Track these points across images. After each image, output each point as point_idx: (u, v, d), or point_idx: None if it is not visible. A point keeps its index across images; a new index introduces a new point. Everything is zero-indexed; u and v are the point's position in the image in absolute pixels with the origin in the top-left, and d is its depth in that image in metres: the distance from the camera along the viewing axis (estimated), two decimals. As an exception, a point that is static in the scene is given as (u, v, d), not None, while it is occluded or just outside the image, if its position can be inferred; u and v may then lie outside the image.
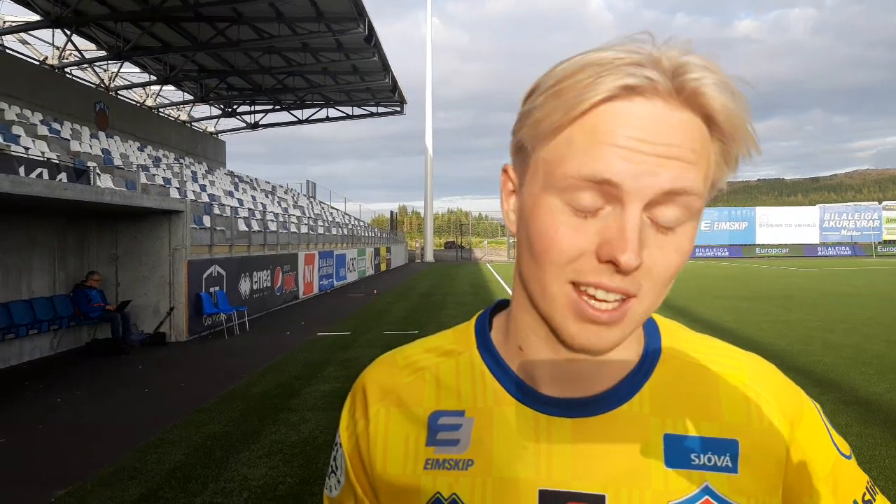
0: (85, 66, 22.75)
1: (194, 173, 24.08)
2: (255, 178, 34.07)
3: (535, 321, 0.63)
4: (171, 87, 28.54)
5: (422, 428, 0.67)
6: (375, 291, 21.65)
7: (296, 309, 16.41)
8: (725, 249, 53.99)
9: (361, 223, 43.88)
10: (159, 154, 24.69)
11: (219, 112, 33.60)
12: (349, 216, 43.40)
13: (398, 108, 37.65)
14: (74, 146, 16.56)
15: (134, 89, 26.51)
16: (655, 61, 0.53)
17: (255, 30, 22.00)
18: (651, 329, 0.68)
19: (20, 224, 9.40)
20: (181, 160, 25.88)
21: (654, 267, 0.54)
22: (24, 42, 20.51)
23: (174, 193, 16.28)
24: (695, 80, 0.53)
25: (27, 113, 17.28)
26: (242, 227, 17.37)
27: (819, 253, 53.33)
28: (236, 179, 30.19)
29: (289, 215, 24.16)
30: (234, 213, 17.24)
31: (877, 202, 59.81)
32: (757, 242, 54.86)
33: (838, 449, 0.66)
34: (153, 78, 26.16)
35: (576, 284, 0.55)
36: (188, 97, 29.96)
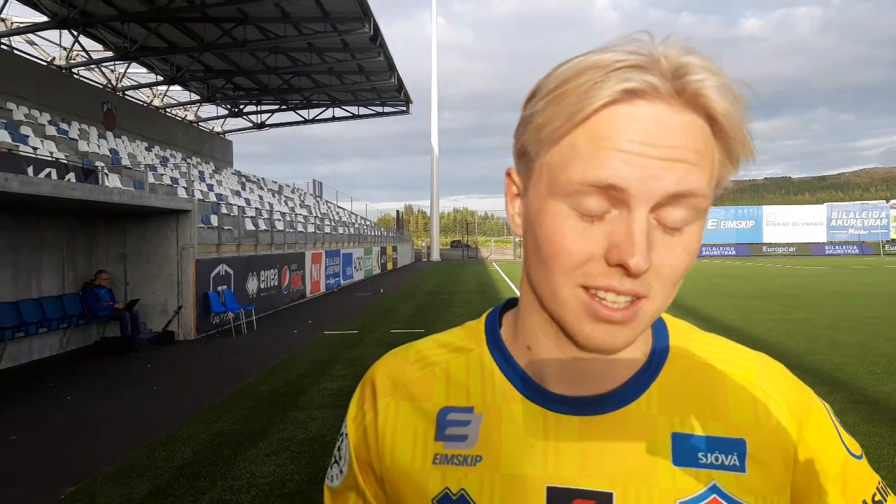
0: (92, 66, 22.85)
1: (201, 173, 24.16)
2: (262, 178, 34.14)
3: (545, 321, 0.64)
4: (177, 88, 28.62)
5: (431, 423, 0.68)
6: (382, 290, 21.66)
7: (303, 307, 16.45)
8: (732, 248, 53.72)
9: (368, 222, 43.91)
10: (167, 154, 24.78)
11: (225, 112, 33.69)
12: (356, 215, 43.46)
13: (404, 108, 37.64)
14: (82, 146, 16.64)
15: (141, 89, 26.60)
16: (655, 62, 0.53)
17: (260, 30, 22.04)
18: (659, 328, 0.69)
19: (29, 224, 9.46)
20: (188, 160, 25.99)
21: (662, 267, 0.55)
22: (31, 43, 20.63)
23: (182, 193, 16.35)
24: (697, 82, 0.53)
25: (35, 113, 17.37)
26: (250, 226, 17.42)
27: (826, 252, 52.99)
28: (243, 179, 30.26)
29: (296, 214, 24.23)
30: (242, 212, 17.29)
31: (884, 200, 59.43)
32: (764, 241, 54.54)
33: (848, 449, 0.66)
34: (160, 78, 26.25)
35: (586, 288, 0.56)
36: (195, 97, 30.05)
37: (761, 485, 0.61)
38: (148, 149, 23.46)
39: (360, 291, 21.55)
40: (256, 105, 34.53)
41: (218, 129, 34.84)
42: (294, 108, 35.57)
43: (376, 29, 22.42)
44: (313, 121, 37.75)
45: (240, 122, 35.82)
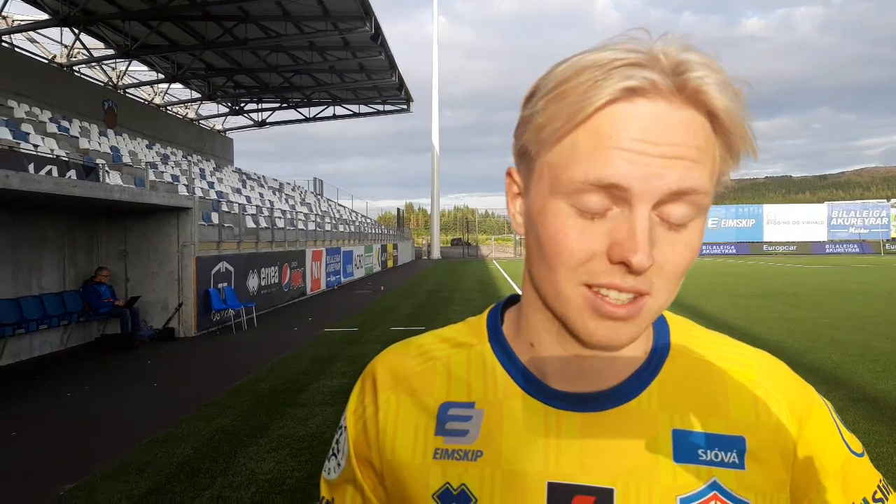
0: (93, 64, 22.86)
1: (202, 171, 24.18)
2: (263, 176, 34.16)
3: (547, 319, 0.64)
4: (178, 86, 28.62)
5: (431, 418, 0.68)
6: (382, 288, 21.67)
7: (303, 305, 16.46)
8: (733, 247, 53.71)
9: (368, 220, 43.95)
10: (167, 152, 24.79)
11: (226, 110, 33.70)
12: (356, 213, 43.51)
13: (405, 106, 37.63)
14: (83, 144, 16.66)
15: (142, 87, 26.62)
16: (655, 60, 0.53)
17: (262, 28, 22.04)
18: (660, 325, 0.69)
19: (30, 221, 9.47)
20: (189, 157, 25.98)
21: (665, 264, 0.55)
22: (32, 41, 20.62)
23: (182, 190, 16.37)
24: (697, 79, 0.53)
25: (36, 111, 17.38)
26: (250, 223, 17.44)
27: (827, 250, 52.96)
28: (244, 177, 30.29)
29: (296, 212, 24.23)
30: (242, 210, 17.31)
31: (885, 200, 59.41)
32: (764, 240, 54.52)
33: (849, 446, 0.66)
34: (161, 76, 26.25)
35: (589, 286, 0.56)
36: (196, 95, 30.06)
37: (761, 482, 0.61)
38: (149, 146, 23.47)
39: (361, 289, 21.56)
40: (257, 103, 34.53)
41: (219, 127, 34.85)
42: (295, 107, 35.57)
43: (377, 28, 22.41)
44: (314, 119, 37.75)
45: (241, 120, 35.85)
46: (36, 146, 13.11)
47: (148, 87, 27.12)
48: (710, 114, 0.55)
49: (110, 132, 21.16)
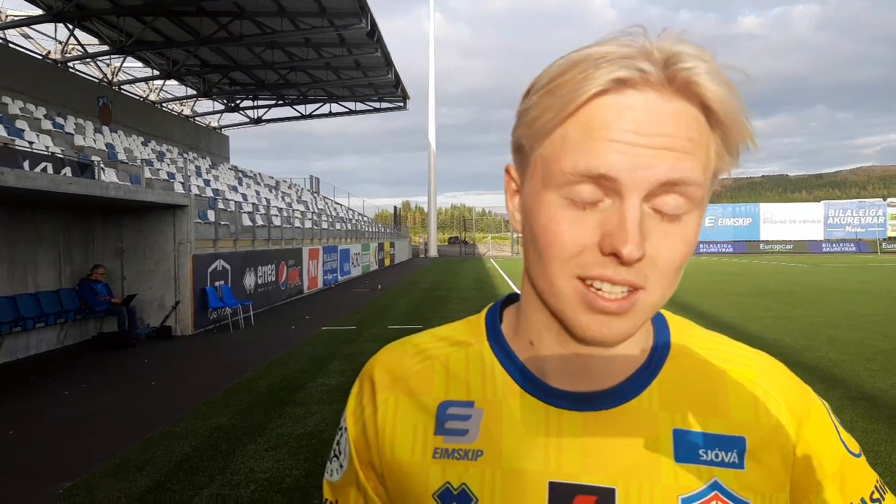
0: (88, 60, 22.72)
1: (198, 168, 24.10)
2: (259, 174, 34.08)
3: (546, 317, 0.64)
4: (173, 82, 28.47)
5: (430, 417, 0.67)
6: (379, 286, 21.66)
7: (300, 303, 16.44)
8: (729, 245, 53.81)
9: (365, 218, 43.90)
10: (163, 149, 24.69)
11: (222, 107, 33.56)
12: (353, 211, 43.46)
13: (401, 104, 37.57)
14: (78, 140, 16.58)
15: (137, 84, 26.48)
16: (647, 53, 0.53)
17: (257, 25, 21.95)
18: (660, 325, 0.69)
19: (25, 218, 9.43)
20: (185, 155, 25.90)
21: (659, 258, 0.55)
22: (26, 36, 20.48)
23: (178, 188, 16.31)
24: (686, 70, 0.53)
25: (31, 107, 17.29)
26: (247, 221, 17.39)
27: (823, 249, 53.11)
28: (240, 174, 30.21)
29: (293, 210, 24.18)
30: (239, 207, 17.25)
31: (881, 199, 59.57)
32: (761, 239, 54.65)
33: (847, 447, 0.66)
34: (156, 73, 26.12)
35: (582, 279, 0.56)
36: (191, 92, 29.92)
37: (761, 482, 0.61)
38: (144, 143, 23.38)
39: (358, 287, 21.55)
40: (253, 100, 34.42)
41: (214, 124, 34.72)
42: (291, 104, 35.46)
43: (373, 24, 22.36)
44: (310, 116, 37.61)
45: (236, 118, 35.70)
46: (31, 143, 13.06)
47: (143, 84, 26.99)
48: (704, 106, 0.55)
49: (105, 129, 21.07)
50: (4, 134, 12.76)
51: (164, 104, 28.80)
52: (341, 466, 0.74)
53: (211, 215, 14.81)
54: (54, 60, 20.77)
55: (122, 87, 25.12)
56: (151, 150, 22.89)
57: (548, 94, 0.55)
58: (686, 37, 0.54)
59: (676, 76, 0.53)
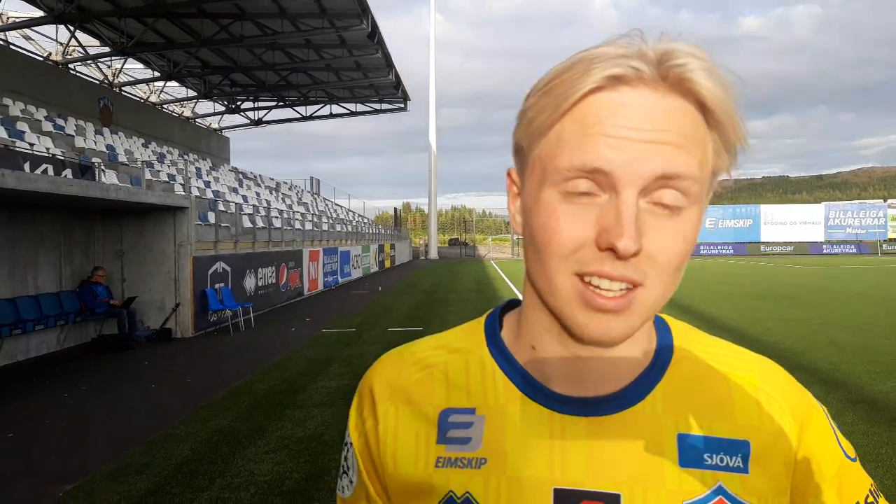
0: (89, 62, 22.76)
1: (198, 170, 24.12)
2: (260, 175, 34.09)
3: (548, 319, 0.63)
4: (174, 84, 28.51)
5: (432, 426, 0.67)
6: (380, 288, 21.66)
7: (300, 305, 16.44)
8: (730, 247, 53.82)
9: (366, 220, 43.90)
10: (163, 150, 24.71)
11: (222, 108, 33.59)
12: (353, 213, 43.46)
13: (402, 105, 37.59)
14: (79, 142, 16.59)
15: (138, 85, 26.50)
16: (641, 53, 0.54)
17: (258, 26, 21.98)
18: (662, 329, 0.69)
19: (26, 220, 9.43)
20: (185, 156, 25.91)
21: (657, 254, 0.55)
22: (27, 38, 20.51)
23: (179, 190, 16.31)
24: (679, 67, 0.54)
25: (31, 109, 17.30)
26: (247, 223, 17.39)
27: (824, 251, 53.12)
28: (240, 176, 30.23)
29: (293, 212, 24.18)
30: (239, 209, 17.25)
31: (882, 200, 59.57)
32: (762, 240, 54.65)
33: (844, 451, 0.67)
34: (157, 74, 26.16)
35: (580, 276, 0.56)
36: (192, 93, 29.97)
37: (764, 486, 0.61)
38: (145, 145, 23.40)
39: (358, 289, 21.55)
40: (254, 101, 34.45)
41: (215, 125, 34.75)
42: (291, 105, 35.49)
43: (374, 25, 22.37)
44: (311, 118, 37.64)
45: (237, 119, 35.73)
46: (31, 145, 13.06)
47: (144, 86, 27.01)
48: (699, 103, 0.55)
49: (106, 131, 21.09)
50: (5, 135, 12.77)
51: (164, 106, 28.83)
52: (351, 482, 0.73)
53: (211, 217, 14.81)
54: (55, 62, 20.79)
55: (122, 88, 25.15)
56: (152, 151, 22.91)
57: (545, 94, 0.57)
58: (682, 39, 0.55)
59: (670, 73, 0.54)
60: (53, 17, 18.42)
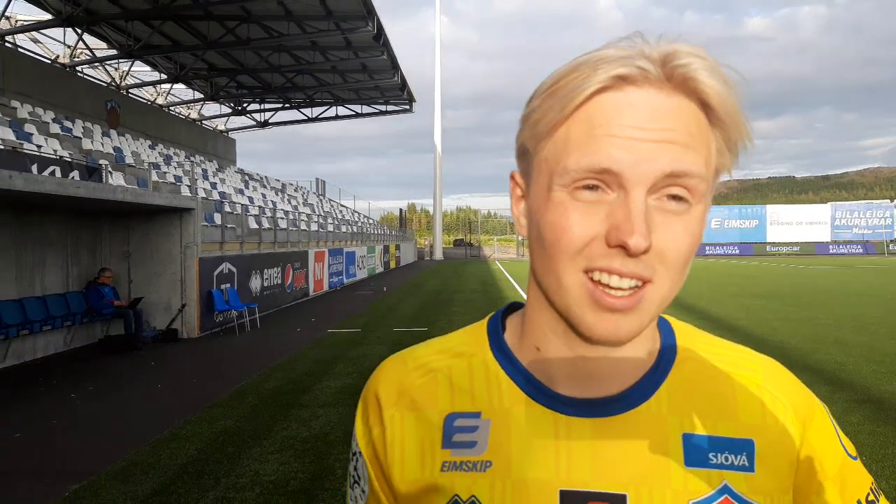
0: (96, 64, 22.88)
1: (205, 171, 24.20)
2: (265, 176, 34.18)
3: (554, 319, 0.63)
4: (181, 86, 28.66)
5: (437, 430, 0.67)
6: (385, 289, 21.67)
7: (306, 306, 16.47)
8: (736, 247, 53.64)
9: (371, 221, 43.93)
10: (170, 152, 24.80)
11: (228, 110, 33.69)
12: (359, 214, 43.49)
13: (407, 107, 37.62)
14: (86, 144, 16.67)
15: (145, 88, 26.64)
16: (645, 53, 0.55)
17: (264, 28, 22.05)
18: (665, 329, 0.69)
19: (34, 221, 9.48)
20: (192, 158, 26.00)
21: (666, 250, 0.55)
22: (35, 41, 20.65)
23: (185, 191, 16.38)
24: (683, 66, 0.54)
25: (39, 111, 17.40)
26: (253, 224, 17.44)
27: (830, 251, 52.86)
28: (246, 177, 30.31)
29: (299, 213, 24.23)
30: (245, 210, 17.30)
31: (888, 200, 59.25)
32: (768, 240, 54.45)
33: (846, 450, 0.67)
34: (164, 76, 26.27)
35: (589, 272, 0.56)
36: (198, 96, 30.08)
37: (769, 485, 0.62)
38: (151, 147, 23.50)
39: (363, 290, 21.57)
40: (260, 103, 34.53)
41: (221, 127, 34.87)
42: (297, 107, 35.57)
43: (380, 27, 22.40)
44: (316, 119, 37.72)
45: (243, 121, 35.84)
46: (39, 147, 13.13)
47: (150, 88, 27.14)
48: (702, 102, 0.56)
49: (113, 133, 21.18)
50: (13, 138, 12.84)
51: (171, 108, 28.96)
52: (363, 492, 0.72)
53: (217, 218, 14.85)
54: (63, 65, 20.92)
55: (129, 90, 25.27)
56: (159, 153, 23.00)
57: (549, 96, 0.57)
58: (682, 41, 0.56)
59: (674, 73, 0.55)
60: (61, 20, 18.54)
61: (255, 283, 14.18)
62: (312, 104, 35.38)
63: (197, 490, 4.33)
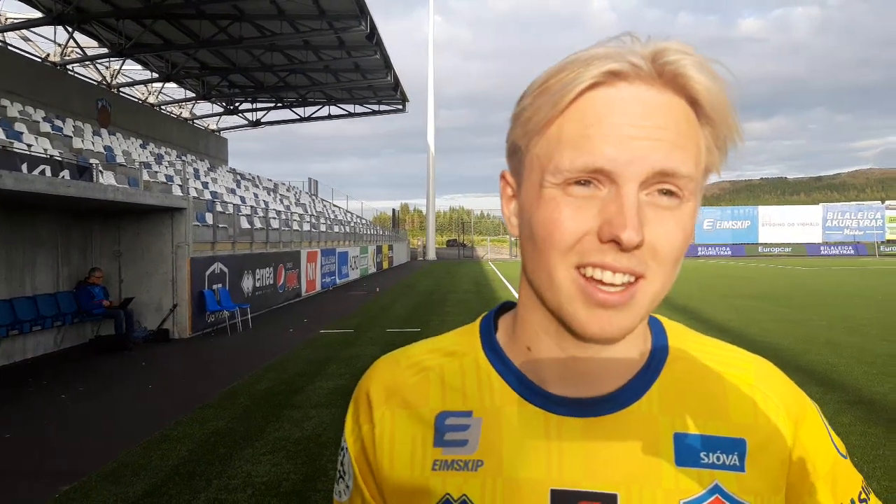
0: (87, 63, 22.74)
1: (196, 171, 24.10)
2: (258, 176, 34.09)
3: (545, 318, 0.63)
4: (173, 85, 28.52)
5: (428, 429, 0.67)
6: (378, 289, 21.65)
7: (298, 306, 16.43)
8: (728, 248, 53.87)
9: (364, 221, 43.90)
10: (161, 151, 24.69)
11: (221, 110, 33.58)
12: (351, 214, 43.45)
13: (400, 107, 37.61)
14: (77, 143, 16.57)
15: (136, 86, 26.50)
16: (636, 51, 0.56)
17: (256, 27, 21.98)
18: (657, 329, 0.69)
19: (24, 221, 9.41)
20: (183, 157, 25.89)
21: (658, 246, 0.55)
22: (26, 39, 20.50)
23: (176, 191, 16.30)
24: (673, 62, 0.55)
25: (29, 110, 17.29)
26: (245, 224, 17.39)
27: (822, 252, 53.17)
28: (238, 177, 30.22)
29: (291, 213, 24.17)
30: (237, 210, 17.25)
31: (880, 201, 59.65)
32: (759, 241, 54.72)
33: (837, 449, 0.67)
34: (155, 75, 26.16)
35: (581, 268, 0.56)
36: (190, 95, 29.95)
37: (760, 484, 0.62)
38: (143, 146, 23.38)
39: (356, 290, 21.54)
40: (252, 103, 34.44)
41: (213, 126, 34.74)
42: (290, 106, 35.48)
43: (373, 27, 22.38)
44: (309, 119, 37.65)
45: (235, 120, 35.72)
46: (29, 146, 13.04)
47: (142, 87, 27.01)
48: (691, 99, 0.56)
49: (104, 132, 21.07)
50: (3, 136, 12.75)
51: (162, 107, 28.82)
52: (347, 487, 0.73)
53: (209, 218, 14.80)
54: (53, 63, 20.78)
55: (120, 89, 25.14)
56: (150, 152, 22.89)
57: (541, 94, 0.57)
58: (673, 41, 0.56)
59: (664, 69, 0.55)
60: (52, 19, 18.41)
61: (247, 284, 14.13)
62: (305, 103, 35.31)
63: (188, 491, 4.31)
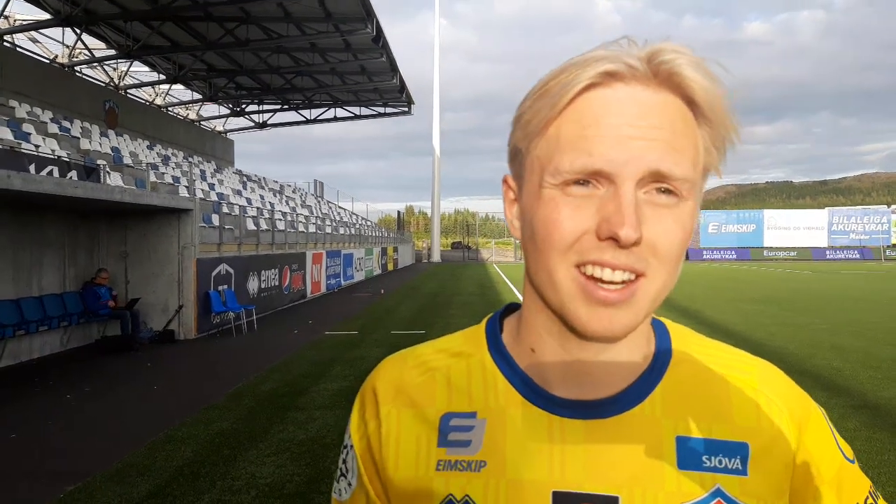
0: (95, 64, 22.88)
1: (203, 172, 24.17)
2: (264, 178, 34.15)
3: (549, 319, 0.64)
4: (180, 87, 28.65)
5: (433, 429, 0.67)
6: (382, 291, 21.65)
7: (303, 308, 16.45)
8: (733, 252, 53.67)
9: (369, 223, 43.92)
10: (168, 153, 24.79)
11: (227, 111, 33.71)
12: (357, 216, 43.45)
13: (406, 109, 37.67)
14: (84, 144, 16.65)
15: (143, 88, 26.62)
16: (633, 52, 0.57)
17: (263, 30, 22.06)
18: (661, 332, 0.69)
19: (31, 221, 9.46)
20: (190, 159, 25.97)
21: (657, 243, 0.56)
22: (34, 41, 20.63)
23: (183, 192, 16.35)
24: (668, 62, 0.56)
25: (37, 111, 17.38)
26: (251, 225, 17.42)
27: (827, 256, 52.93)
28: (244, 178, 30.28)
29: (297, 214, 24.22)
30: (243, 211, 17.30)
31: (886, 206, 59.35)
32: (765, 245, 54.50)
33: (843, 453, 0.67)
34: (162, 77, 26.27)
35: (581, 267, 0.56)
36: (197, 96, 30.08)
37: (763, 488, 0.62)
38: (150, 147, 23.47)
39: (361, 292, 21.55)
40: (258, 104, 34.55)
41: (219, 128, 34.86)
42: (296, 108, 35.58)
43: (379, 29, 22.43)
44: (315, 121, 37.76)
45: (241, 122, 35.85)
46: (37, 146, 13.11)
47: (149, 88, 27.13)
48: (688, 99, 0.57)
49: (111, 133, 21.16)
50: (11, 137, 12.82)
51: (169, 108, 28.94)
52: (350, 485, 0.73)
53: (215, 219, 14.84)
54: (61, 64, 20.90)
55: (128, 91, 25.26)
56: (157, 153, 22.98)
57: (540, 97, 0.58)
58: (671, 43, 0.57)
59: (660, 68, 0.56)
60: (60, 20, 18.52)
61: (253, 285, 14.16)
62: (311, 105, 35.40)
63: (193, 492, 4.32)
